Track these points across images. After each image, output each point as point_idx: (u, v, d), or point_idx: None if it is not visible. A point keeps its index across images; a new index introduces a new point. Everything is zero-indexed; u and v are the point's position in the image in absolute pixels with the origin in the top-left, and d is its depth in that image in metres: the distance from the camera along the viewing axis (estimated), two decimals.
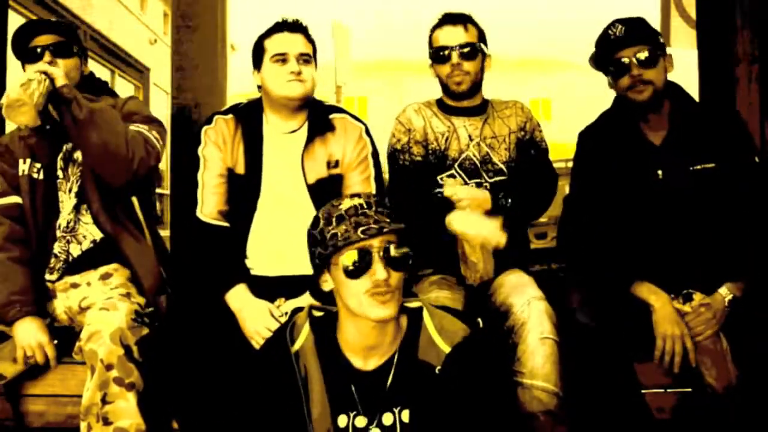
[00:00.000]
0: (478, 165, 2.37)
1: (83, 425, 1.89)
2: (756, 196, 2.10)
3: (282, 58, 2.15)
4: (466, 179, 2.35)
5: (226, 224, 2.15)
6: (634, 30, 2.12)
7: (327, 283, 1.63)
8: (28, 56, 2.17)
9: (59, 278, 2.19)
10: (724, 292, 2.03)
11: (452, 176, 2.34)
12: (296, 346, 1.62)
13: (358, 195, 1.62)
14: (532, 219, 2.48)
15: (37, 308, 2.07)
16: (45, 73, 1.96)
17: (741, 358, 1.97)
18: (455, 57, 2.33)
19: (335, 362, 1.61)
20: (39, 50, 2.15)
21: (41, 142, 2.18)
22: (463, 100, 2.41)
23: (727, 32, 2.77)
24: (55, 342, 2.06)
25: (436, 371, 1.58)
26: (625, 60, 2.11)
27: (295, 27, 2.20)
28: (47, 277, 2.18)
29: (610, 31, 2.14)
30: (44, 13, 9.01)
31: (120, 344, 1.88)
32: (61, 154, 2.20)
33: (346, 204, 1.58)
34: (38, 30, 2.15)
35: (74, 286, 2.17)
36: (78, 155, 2.19)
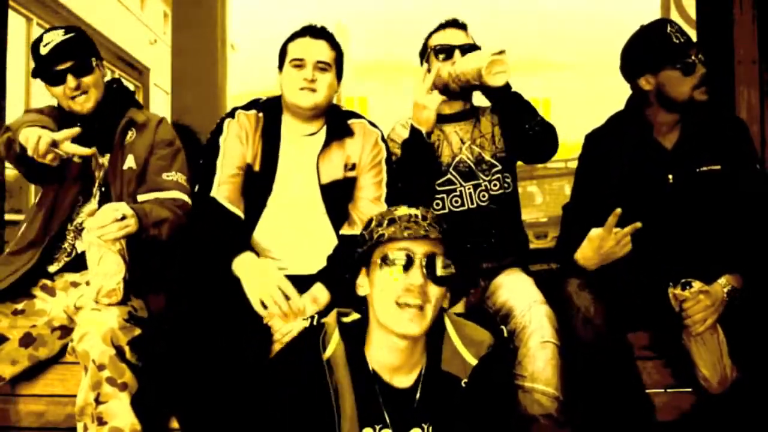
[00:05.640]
0: (473, 166, 2.38)
1: (79, 425, 1.89)
2: (755, 199, 2.12)
3: (299, 64, 2.15)
4: (462, 182, 2.36)
5: (240, 212, 2.14)
6: (684, 31, 2.13)
7: (362, 288, 1.60)
8: (53, 80, 2.19)
9: (59, 271, 2.20)
10: (723, 282, 2.01)
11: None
12: (327, 354, 1.58)
13: (416, 206, 1.58)
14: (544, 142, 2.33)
15: None
16: (122, 238, 1.96)
17: (738, 354, 1.97)
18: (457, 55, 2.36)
19: (364, 375, 1.57)
20: (62, 74, 2.16)
21: (84, 132, 2.17)
22: (459, 99, 2.41)
23: (727, 33, 2.77)
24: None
25: (462, 384, 1.56)
26: (693, 60, 2.10)
27: (319, 33, 2.20)
28: (49, 268, 2.20)
29: (668, 30, 2.12)
30: (44, 13, 9.01)
31: (111, 345, 1.88)
32: (95, 161, 2.23)
33: (402, 211, 1.56)
34: (58, 58, 2.16)
35: (74, 284, 2.17)
36: (102, 162, 2.23)
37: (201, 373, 1.85)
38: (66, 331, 2.12)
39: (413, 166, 2.30)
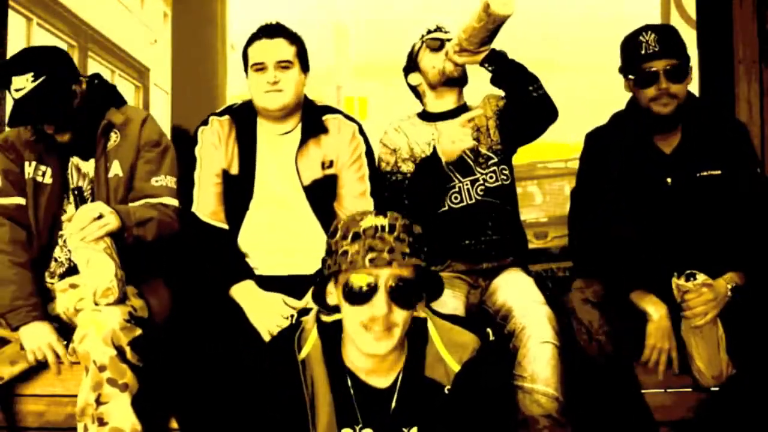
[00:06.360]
0: (471, 162, 2.38)
1: (80, 426, 1.89)
2: (756, 203, 2.12)
3: (260, 67, 2.14)
4: (461, 178, 2.36)
5: (225, 226, 2.15)
6: (667, 40, 2.09)
7: (331, 296, 1.54)
8: (30, 123, 2.09)
9: (59, 280, 2.19)
10: (727, 279, 2.01)
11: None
12: (303, 353, 1.55)
13: (384, 214, 1.47)
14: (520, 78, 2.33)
15: (42, 312, 2.05)
16: (107, 235, 1.93)
17: (737, 351, 1.97)
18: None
19: (340, 375, 1.55)
20: (38, 121, 2.06)
21: (49, 146, 2.15)
22: (456, 86, 2.43)
23: (727, 33, 2.77)
24: (65, 343, 2.05)
25: (446, 391, 1.54)
26: (655, 71, 2.07)
27: (274, 32, 2.18)
28: (47, 279, 2.19)
29: (641, 38, 2.10)
30: (44, 13, 8.98)
31: (112, 345, 1.87)
32: (71, 165, 2.19)
33: (368, 222, 1.44)
34: (30, 108, 2.00)
35: (73, 286, 2.17)
36: (88, 169, 2.19)
37: (200, 374, 1.86)
38: (67, 332, 2.11)
39: (424, 188, 2.28)
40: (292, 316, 1.68)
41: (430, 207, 2.31)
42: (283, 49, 2.15)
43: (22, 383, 2.12)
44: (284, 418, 1.51)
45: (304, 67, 2.22)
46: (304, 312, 1.67)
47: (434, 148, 2.26)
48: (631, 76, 2.14)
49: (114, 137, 2.18)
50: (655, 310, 2.02)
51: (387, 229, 1.43)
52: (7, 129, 2.21)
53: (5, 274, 2.05)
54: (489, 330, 1.64)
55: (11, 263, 2.07)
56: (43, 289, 2.15)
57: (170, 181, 2.18)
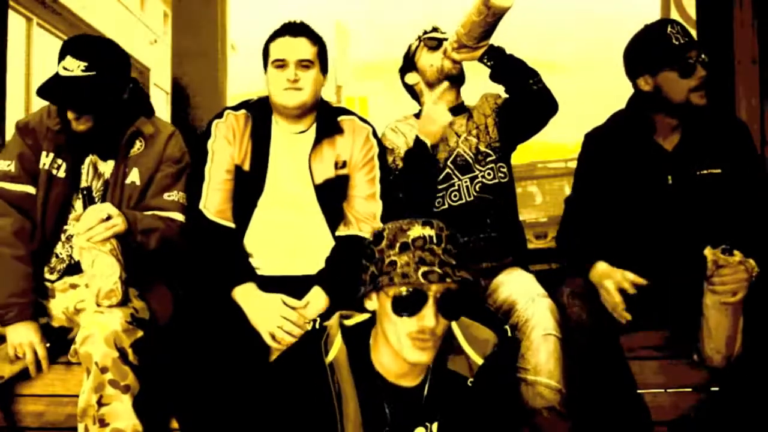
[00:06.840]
0: (470, 159, 2.40)
1: (80, 427, 1.89)
2: (757, 201, 2.13)
3: (281, 64, 2.15)
4: (460, 176, 2.38)
5: (231, 225, 2.15)
6: (687, 33, 2.10)
7: (371, 303, 1.54)
8: (59, 104, 2.09)
9: (58, 279, 2.18)
10: (753, 263, 1.93)
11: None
12: (329, 357, 1.56)
13: (431, 224, 1.48)
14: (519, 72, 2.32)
15: (34, 311, 2.05)
16: (113, 236, 1.94)
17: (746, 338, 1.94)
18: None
19: (368, 378, 1.55)
20: (68, 106, 2.07)
21: (70, 140, 2.14)
22: (453, 84, 2.45)
23: (727, 33, 2.77)
24: (48, 345, 2.05)
25: (468, 383, 1.57)
26: (693, 61, 2.08)
27: (298, 30, 2.19)
28: (47, 275, 2.18)
29: (669, 30, 2.09)
30: (44, 13, 8.99)
31: (114, 347, 1.87)
32: (88, 162, 2.18)
33: (415, 232, 1.47)
34: (71, 92, 2.02)
35: (73, 286, 2.17)
36: (105, 170, 2.18)
37: (200, 375, 1.86)
38: (65, 331, 2.13)
39: (415, 177, 2.30)
40: (314, 321, 1.70)
41: (425, 197, 2.32)
42: (305, 49, 2.17)
43: (22, 383, 2.12)
44: (314, 423, 1.52)
45: (323, 69, 2.23)
46: (326, 317, 1.68)
47: (416, 136, 2.29)
48: (667, 69, 2.10)
49: (138, 145, 2.19)
50: (593, 273, 2.06)
51: (435, 240, 1.45)
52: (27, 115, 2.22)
53: (4, 268, 2.05)
54: (507, 327, 1.71)
55: (11, 257, 2.06)
56: (40, 285, 2.14)
57: (181, 197, 2.18)
